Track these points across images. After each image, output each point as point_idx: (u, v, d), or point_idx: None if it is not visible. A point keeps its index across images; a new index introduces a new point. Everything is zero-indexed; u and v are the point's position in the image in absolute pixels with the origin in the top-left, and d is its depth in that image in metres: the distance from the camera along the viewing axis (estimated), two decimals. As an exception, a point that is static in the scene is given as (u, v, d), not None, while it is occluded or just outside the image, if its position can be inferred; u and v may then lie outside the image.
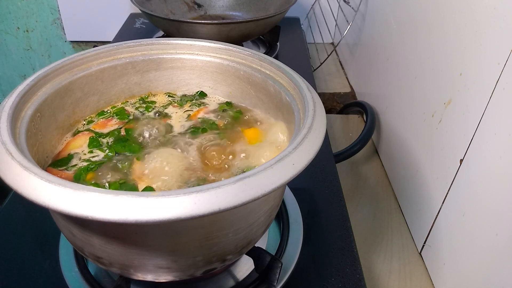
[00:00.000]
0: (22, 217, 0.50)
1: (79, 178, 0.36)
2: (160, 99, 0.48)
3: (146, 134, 0.41)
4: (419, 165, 0.58)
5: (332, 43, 1.12)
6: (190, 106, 0.46)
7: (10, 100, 0.33)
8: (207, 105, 0.47)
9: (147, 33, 0.96)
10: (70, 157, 0.38)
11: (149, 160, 0.37)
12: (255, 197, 0.26)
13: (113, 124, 0.43)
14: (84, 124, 0.43)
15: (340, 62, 1.07)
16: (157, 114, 0.45)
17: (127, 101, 0.47)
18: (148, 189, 0.34)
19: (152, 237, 0.30)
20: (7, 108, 0.32)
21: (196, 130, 0.42)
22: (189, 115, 0.45)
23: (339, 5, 1.04)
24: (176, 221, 0.24)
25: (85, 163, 0.37)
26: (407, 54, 0.64)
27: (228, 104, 0.47)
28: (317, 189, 0.55)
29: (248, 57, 0.43)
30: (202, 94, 0.48)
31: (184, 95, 0.48)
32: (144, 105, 0.46)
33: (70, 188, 0.25)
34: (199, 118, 0.44)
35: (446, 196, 0.50)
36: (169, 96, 0.48)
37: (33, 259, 0.44)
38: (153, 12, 0.78)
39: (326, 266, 0.45)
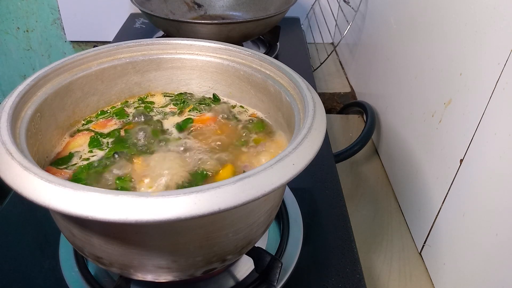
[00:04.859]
0: (22, 217, 0.50)
1: (79, 176, 0.36)
2: (159, 100, 0.47)
3: (145, 135, 0.41)
4: (419, 165, 0.58)
5: (332, 43, 1.12)
6: (190, 110, 0.46)
7: (10, 100, 0.33)
8: (209, 111, 0.46)
9: (147, 33, 0.96)
10: (70, 156, 0.38)
11: (149, 160, 0.37)
12: (255, 197, 0.26)
13: (113, 124, 0.43)
14: (84, 124, 0.43)
15: (340, 62, 1.07)
16: (155, 115, 0.45)
17: (127, 101, 0.47)
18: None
19: (152, 237, 0.30)
20: (7, 108, 0.32)
21: (193, 131, 0.42)
22: (187, 117, 0.45)
23: (339, 5, 1.04)
24: (176, 221, 0.24)
25: (85, 162, 0.38)
26: (407, 54, 0.64)
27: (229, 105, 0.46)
28: (317, 189, 0.55)
29: (248, 57, 0.43)
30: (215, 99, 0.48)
31: (183, 94, 0.48)
32: (143, 105, 0.46)
33: (70, 188, 0.25)
34: (197, 120, 0.44)
35: (446, 196, 0.50)
36: (166, 96, 0.48)
37: (33, 259, 0.44)
38: (153, 12, 0.78)
39: (326, 266, 0.45)
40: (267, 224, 0.37)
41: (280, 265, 0.39)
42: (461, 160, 0.46)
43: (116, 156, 0.38)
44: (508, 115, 0.39)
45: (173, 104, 0.47)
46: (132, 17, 1.04)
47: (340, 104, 0.95)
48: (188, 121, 0.44)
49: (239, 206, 0.25)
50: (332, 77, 1.01)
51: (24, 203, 0.50)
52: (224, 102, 0.47)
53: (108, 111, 0.45)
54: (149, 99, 0.47)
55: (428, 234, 0.54)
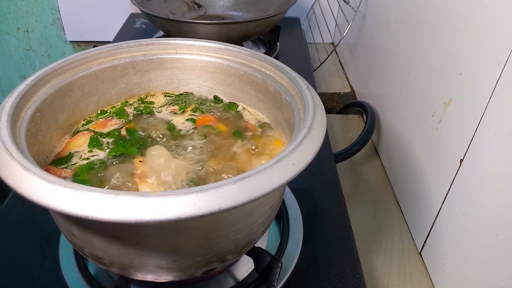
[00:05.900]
0: (22, 217, 0.50)
1: (79, 176, 0.36)
2: (159, 100, 0.48)
3: (145, 135, 0.41)
4: (419, 165, 0.58)
5: (332, 43, 1.12)
6: (192, 110, 0.46)
7: (10, 100, 0.33)
8: (211, 111, 0.46)
9: (147, 33, 0.96)
10: (70, 155, 0.38)
11: (149, 160, 0.37)
12: (255, 197, 0.26)
13: (113, 124, 0.43)
14: (84, 124, 0.43)
15: (340, 62, 1.07)
16: (155, 115, 0.45)
17: (127, 101, 0.47)
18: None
19: (152, 237, 0.30)
20: (7, 108, 0.32)
21: (195, 131, 0.42)
22: (190, 117, 0.45)
23: (339, 5, 1.04)
24: (176, 221, 0.24)
25: (85, 162, 0.38)
26: (407, 54, 0.64)
27: (233, 106, 0.46)
28: (317, 189, 0.55)
29: (248, 57, 0.43)
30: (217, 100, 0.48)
31: (183, 95, 0.48)
32: (143, 105, 0.46)
33: (70, 188, 0.25)
34: (199, 120, 0.44)
35: (446, 196, 0.50)
36: (167, 96, 0.48)
37: (33, 259, 0.44)
38: (153, 12, 0.78)
39: (326, 266, 0.45)
40: (267, 224, 0.37)
41: (280, 265, 0.39)
42: (461, 160, 0.46)
43: (117, 155, 0.38)
44: (508, 115, 0.39)
45: (174, 104, 0.47)
46: (132, 17, 1.04)
47: (340, 104, 0.95)
48: (190, 121, 0.44)
49: (239, 206, 0.25)
50: (332, 77, 1.01)
51: (24, 203, 0.50)
52: (225, 102, 0.47)
53: (108, 111, 0.45)
54: (149, 99, 0.47)
55: (428, 234, 0.54)
